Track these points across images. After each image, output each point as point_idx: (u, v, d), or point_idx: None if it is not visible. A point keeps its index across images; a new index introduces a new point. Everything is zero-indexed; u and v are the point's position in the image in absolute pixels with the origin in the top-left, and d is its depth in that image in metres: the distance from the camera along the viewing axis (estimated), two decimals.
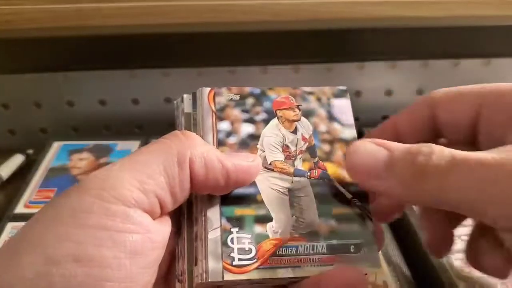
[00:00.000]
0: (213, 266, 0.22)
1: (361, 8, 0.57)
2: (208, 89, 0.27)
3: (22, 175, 0.55)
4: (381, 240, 0.26)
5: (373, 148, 0.22)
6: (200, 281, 0.22)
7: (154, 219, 0.22)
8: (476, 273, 0.40)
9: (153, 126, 0.63)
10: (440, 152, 0.21)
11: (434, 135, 0.27)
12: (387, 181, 0.22)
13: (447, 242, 0.29)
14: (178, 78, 0.60)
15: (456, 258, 0.41)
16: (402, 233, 0.47)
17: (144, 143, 0.57)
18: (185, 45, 0.57)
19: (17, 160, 0.58)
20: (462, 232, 0.44)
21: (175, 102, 0.28)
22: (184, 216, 0.24)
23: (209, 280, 0.22)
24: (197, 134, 0.26)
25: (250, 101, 0.27)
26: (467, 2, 0.58)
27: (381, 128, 0.28)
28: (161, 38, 0.56)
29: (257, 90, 0.28)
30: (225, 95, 0.27)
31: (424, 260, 0.43)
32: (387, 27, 0.57)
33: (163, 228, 0.22)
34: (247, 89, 0.28)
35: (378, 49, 0.59)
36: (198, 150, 0.23)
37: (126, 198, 0.21)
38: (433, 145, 0.21)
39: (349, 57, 0.60)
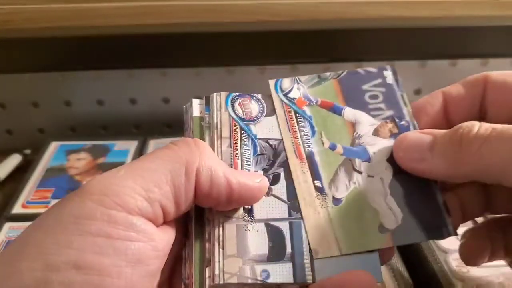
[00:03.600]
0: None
1: (359, 8, 0.57)
2: (226, 93, 0.27)
3: (19, 175, 0.55)
4: (388, 255, 0.26)
5: (419, 135, 0.24)
6: (214, 282, 0.22)
7: (157, 227, 0.22)
8: (474, 273, 0.40)
9: (151, 126, 0.63)
10: (480, 125, 0.22)
11: (479, 116, 0.27)
12: (431, 161, 0.23)
13: (483, 247, 0.29)
14: (176, 78, 0.60)
15: (454, 258, 0.41)
16: None
17: (142, 143, 0.57)
18: (183, 45, 0.57)
19: (14, 160, 0.58)
20: (461, 232, 0.44)
21: (184, 107, 0.27)
22: (192, 219, 0.24)
23: (226, 282, 0.22)
24: (208, 136, 0.26)
25: None
26: (465, 2, 0.58)
27: (431, 97, 0.28)
28: (159, 38, 0.56)
29: None
30: None
31: (422, 260, 0.43)
32: (385, 27, 0.57)
33: (167, 236, 0.22)
34: None
35: (376, 49, 0.59)
36: (206, 162, 0.22)
37: (130, 205, 0.20)
38: (474, 121, 0.23)
39: (347, 57, 0.60)
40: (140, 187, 0.21)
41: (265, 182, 0.24)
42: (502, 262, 0.41)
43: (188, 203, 0.22)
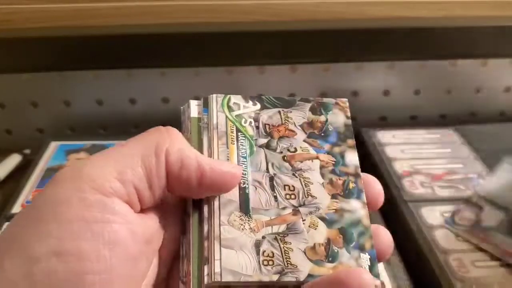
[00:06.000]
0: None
1: (359, 8, 0.57)
2: (223, 95, 0.27)
3: (19, 175, 0.55)
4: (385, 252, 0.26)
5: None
6: (213, 280, 0.22)
7: (135, 212, 0.22)
8: (474, 273, 0.40)
9: (150, 126, 0.62)
10: None
11: None
12: None
13: None
14: (175, 78, 0.60)
15: (454, 258, 0.41)
16: (399, 233, 0.47)
17: None
18: (183, 45, 0.57)
19: (14, 160, 0.58)
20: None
21: (181, 108, 0.27)
22: (190, 216, 0.24)
23: (223, 280, 0.22)
24: (207, 137, 0.26)
25: None
26: (464, 3, 0.58)
27: None
28: (158, 37, 0.56)
29: None
30: None
31: (421, 260, 0.43)
32: (385, 28, 0.58)
33: (145, 222, 0.22)
34: None
35: (376, 49, 0.59)
36: (176, 144, 0.23)
37: (104, 187, 0.20)
38: None
39: (346, 57, 0.60)
40: (113, 169, 0.21)
41: (238, 169, 0.24)
42: (502, 262, 0.41)
43: (161, 186, 0.22)
